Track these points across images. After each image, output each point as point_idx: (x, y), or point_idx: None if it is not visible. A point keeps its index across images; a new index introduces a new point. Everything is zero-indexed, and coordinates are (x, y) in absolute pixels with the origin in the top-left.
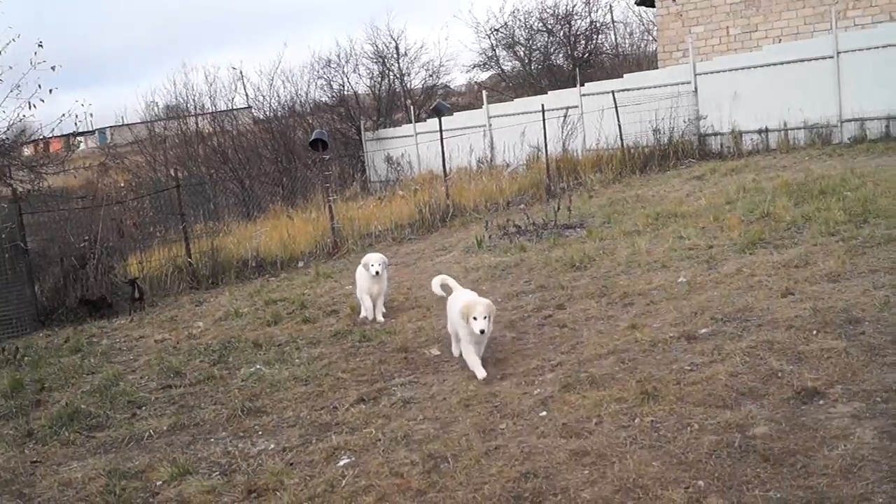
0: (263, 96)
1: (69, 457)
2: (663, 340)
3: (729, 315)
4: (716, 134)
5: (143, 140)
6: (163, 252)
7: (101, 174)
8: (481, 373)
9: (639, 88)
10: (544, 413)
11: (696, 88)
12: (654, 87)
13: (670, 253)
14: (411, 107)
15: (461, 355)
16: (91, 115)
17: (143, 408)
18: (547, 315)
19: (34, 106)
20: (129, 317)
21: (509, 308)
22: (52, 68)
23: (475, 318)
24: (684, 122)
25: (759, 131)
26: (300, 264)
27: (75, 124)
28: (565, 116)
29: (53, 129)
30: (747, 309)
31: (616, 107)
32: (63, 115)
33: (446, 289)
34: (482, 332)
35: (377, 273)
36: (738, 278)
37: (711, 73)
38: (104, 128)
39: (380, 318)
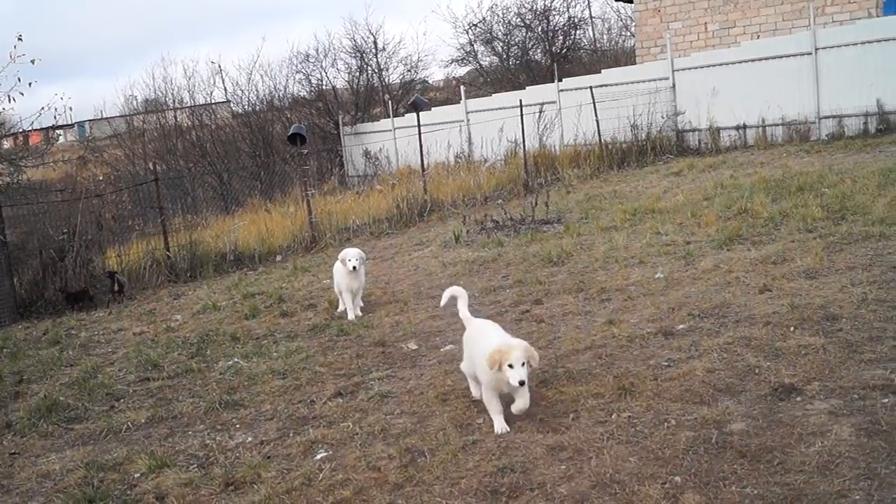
0: (242, 90)
1: (48, 448)
2: (641, 336)
3: (706, 311)
4: (694, 130)
5: (122, 134)
6: (141, 245)
7: (80, 167)
8: (501, 427)
9: (617, 84)
10: None
11: (673, 84)
12: (632, 82)
13: (648, 249)
14: (389, 102)
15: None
16: (70, 108)
17: (122, 400)
18: (524, 310)
19: (13, 99)
20: (108, 309)
21: (487, 303)
22: (32, 62)
23: (510, 367)
24: (662, 118)
25: (737, 127)
26: (278, 258)
27: (55, 117)
28: (541, 111)
29: (33, 123)
30: (725, 305)
31: (594, 102)
32: (42, 108)
33: (465, 319)
34: (521, 383)
35: (354, 269)
36: (716, 274)
37: (689, 69)
38: (83, 121)
39: (357, 312)
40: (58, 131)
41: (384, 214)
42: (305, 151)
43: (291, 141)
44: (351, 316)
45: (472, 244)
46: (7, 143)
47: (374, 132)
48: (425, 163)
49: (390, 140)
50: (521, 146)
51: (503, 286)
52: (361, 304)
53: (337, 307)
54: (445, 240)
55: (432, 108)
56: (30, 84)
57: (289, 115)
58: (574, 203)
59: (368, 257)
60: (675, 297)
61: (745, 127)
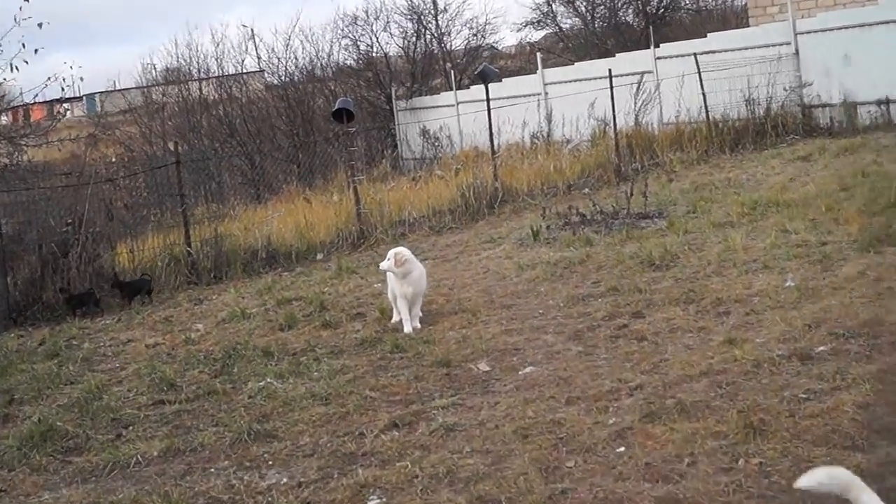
0: (278, 59)
1: (40, 486)
2: (770, 360)
3: (853, 330)
4: (823, 105)
5: (139, 108)
6: (158, 239)
7: (89, 147)
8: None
9: (726, 50)
10: (622, 449)
11: (796, 50)
12: (745, 48)
13: (773, 250)
14: (452, 72)
15: None
16: (80, 78)
17: (130, 427)
18: (621, 325)
19: (16, 68)
20: (117, 316)
21: (574, 315)
22: (39, 25)
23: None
24: (784, 90)
25: (879, 102)
26: (319, 257)
27: (62, 89)
28: (639, 84)
29: (37, 95)
30: (876, 322)
31: (699, 72)
32: (49, 78)
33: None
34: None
35: (380, 266)
36: (862, 283)
37: (816, 31)
38: (94, 93)
39: (415, 324)
40: (64, 105)
41: (446, 205)
42: (352, 130)
43: (336, 117)
44: (408, 328)
45: (553, 242)
46: (6, 119)
47: (434, 107)
48: (495, 144)
49: (453, 117)
50: (612, 124)
51: (593, 294)
52: (420, 315)
53: (391, 317)
54: (521, 236)
55: (503, 80)
56: (35, 51)
57: (333, 88)
58: (678, 193)
59: (429, 257)
60: (811, 312)
61: (888, 102)
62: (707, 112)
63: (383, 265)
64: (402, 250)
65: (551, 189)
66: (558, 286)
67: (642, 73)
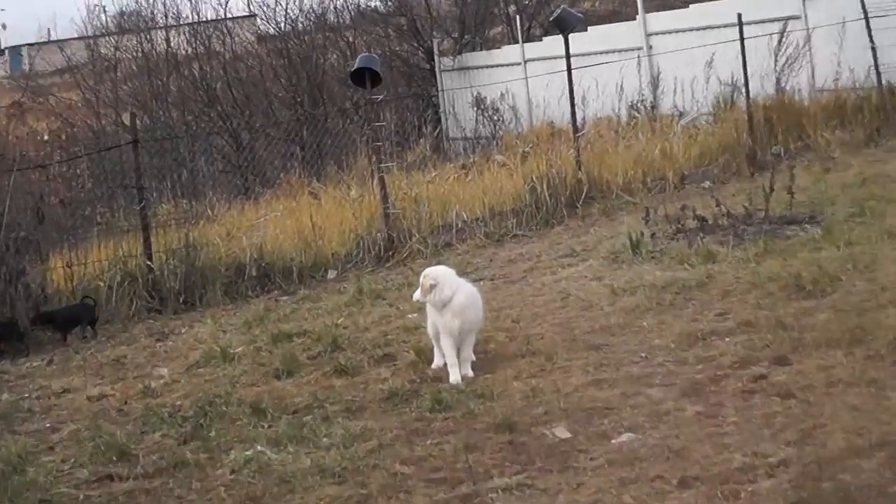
0: (276, 0)
1: None
2: None
3: None
4: None
5: (81, 67)
6: (106, 249)
7: (13, 120)
8: None
9: None
10: None
11: None
12: None
13: None
14: (517, 17)
15: None
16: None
17: None
18: (757, 375)
19: None
20: (48, 357)
21: (691, 361)
22: None
23: None
24: None
25: None
26: (331, 275)
27: None
28: (781, 35)
29: None
30: None
31: (866, 17)
32: None
33: None
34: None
35: (426, 294)
36: None
37: None
38: (19, 46)
39: (466, 372)
40: None
41: (510, 204)
42: (379, 98)
43: (356, 80)
44: (455, 377)
45: (660, 257)
46: None
47: (493, 67)
48: (578, 118)
49: (519, 80)
50: (743, 91)
51: (718, 331)
52: (473, 358)
53: (431, 361)
54: (615, 248)
55: (588, 29)
56: None
57: (351, 40)
58: (838, 189)
59: (485, 276)
60: None
61: None
62: (878, 74)
63: (416, 295)
64: (436, 271)
65: (657, 182)
66: (668, 319)
67: (786, 20)
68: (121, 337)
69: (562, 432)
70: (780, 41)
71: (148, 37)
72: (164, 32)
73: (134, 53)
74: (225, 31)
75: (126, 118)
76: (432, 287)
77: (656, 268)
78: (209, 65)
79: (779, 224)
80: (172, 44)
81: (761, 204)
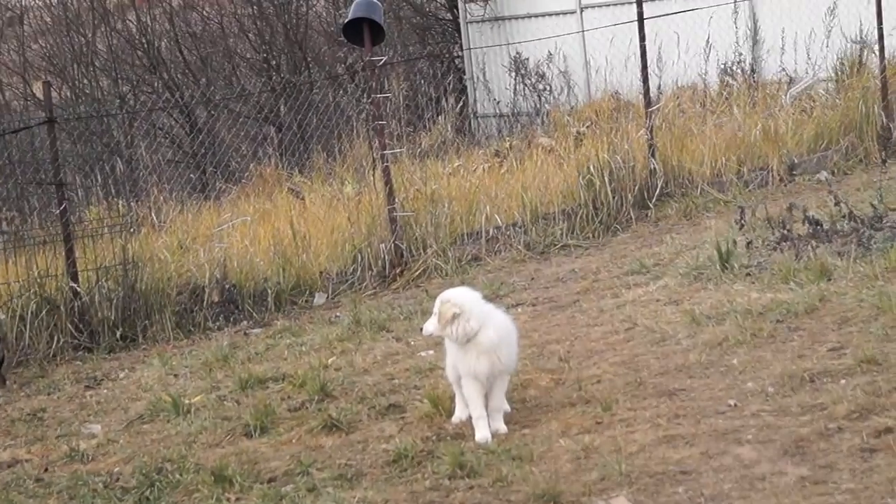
0: None
1: None
2: None
3: None
4: None
5: None
6: (15, 267)
7: None
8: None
9: None
10: None
11: None
12: None
13: None
14: None
15: None
16: None
17: None
18: (881, 429)
19: None
20: None
21: (794, 410)
22: None
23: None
24: None
25: None
26: (319, 300)
27: None
28: None
29: None
30: None
31: None
32: None
33: None
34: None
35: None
36: None
37: None
38: None
39: (498, 426)
40: None
41: (558, 204)
42: (382, 61)
43: (351, 36)
44: (483, 434)
45: (758, 273)
46: None
47: (537, 16)
48: (652, 87)
49: (571, 35)
50: (876, 49)
51: (831, 371)
52: (507, 409)
53: (451, 414)
54: (697, 263)
55: None
56: None
57: None
58: None
59: (525, 300)
60: None
61: None
62: None
63: (430, 327)
64: (459, 295)
65: (757, 173)
66: (765, 356)
67: None
68: (38, 384)
69: None
70: None
71: None
72: None
73: (47, 1)
74: None
75: (38, 89)
76: (455, 317)
77: (752, 288)
78: (150, 16)
79: None
80: None
81: (895, 202)
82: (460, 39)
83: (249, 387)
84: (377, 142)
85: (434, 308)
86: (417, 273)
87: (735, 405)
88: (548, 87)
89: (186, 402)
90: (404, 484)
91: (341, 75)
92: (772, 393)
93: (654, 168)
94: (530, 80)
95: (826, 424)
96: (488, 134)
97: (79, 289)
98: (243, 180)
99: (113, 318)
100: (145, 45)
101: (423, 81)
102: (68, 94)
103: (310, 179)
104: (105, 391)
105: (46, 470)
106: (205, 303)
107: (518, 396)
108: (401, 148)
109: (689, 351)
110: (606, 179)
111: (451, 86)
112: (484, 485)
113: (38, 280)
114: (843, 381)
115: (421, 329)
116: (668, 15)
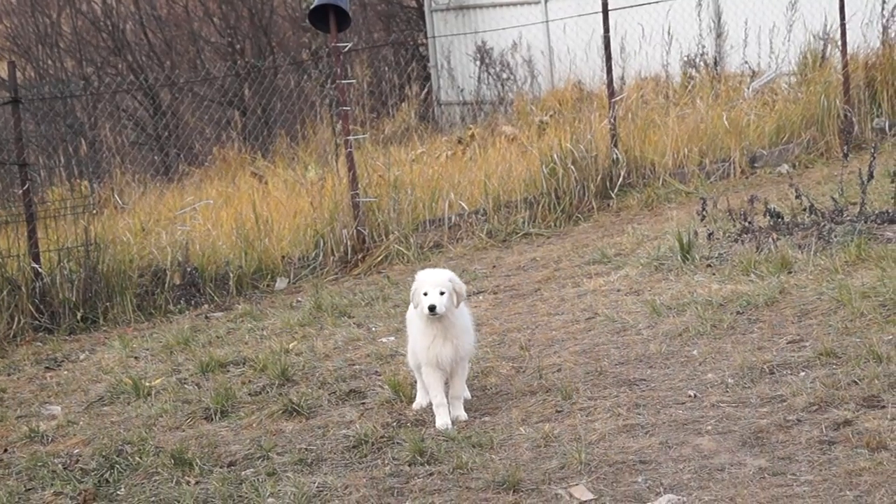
0: None
1: None
2: None
3: None
4: None
5: None
6: None
7: None
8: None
9: None
10: None
11: None
12: None
13: None
14: None
15: None
16: None
17: None
18: (840, 420)
19: None
20: None
21: (754, 401)
22: None
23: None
24: None
25: None
26: (281, 284)
27: None
28: None
29: None
30: None
31: None
32: None
33: None
34: (432, 308)
35: (433, 310)
36: None
37: None
38: None
39: (458, 413)
40: None
41: (520, 192)
42: (346, 47)
43: (317, 21)
44: (444, 420)
45: (719, 265)
46: None
47: (501, 6)
48: (616, 77)
49: (536, 25)
50: (838, 43)
51: (791, 363)
52: (467, 395)
53: (412, 400)
54: (659, 253)
55: None
56: None
57: None
58: None
59: (486, 288)
60: None
61: None
62: None
63: (438, 302)
64: (446, 275)
65: (719, 165)
66: (725, 347)
67: None
68: None
69: (582, 493)
70: None
71: None
72: None
73: None
74: None
75: (2, 69)
76: (453, 294)
77: (713, 279)
78: None
79: (878, 223)
80: None
81: (856, 196)
82: (425, 27)
83: (210, 370)
84: (341, 127)
85: (422, 284)
86: (379, 259)
87: (695, 396)
88: (511, 76)
89: (147, 384)
90: (364, 469)
91: (306, 61)
92: (731, 384)
93: (617, 158)
94: (494, 68)
95: (785, 416)
96: (452, 122)
97: (40, 269)
98: (206, 163)
99: (74, 299)
100: (110, 27)
101: (387, 68)
102: (32, 74)
103: (273, 164)
104: (65, 373)
105: (6, 451)
106: (166, 286)
107: (479, 384)
108: (364, 134)
109: (649, 341)
110: (569, 169)
111: (414, 73)
112: (444, 471)
113: (0, 260)
114: (802, 374)
115: (432, 308)
116: (632, 7)
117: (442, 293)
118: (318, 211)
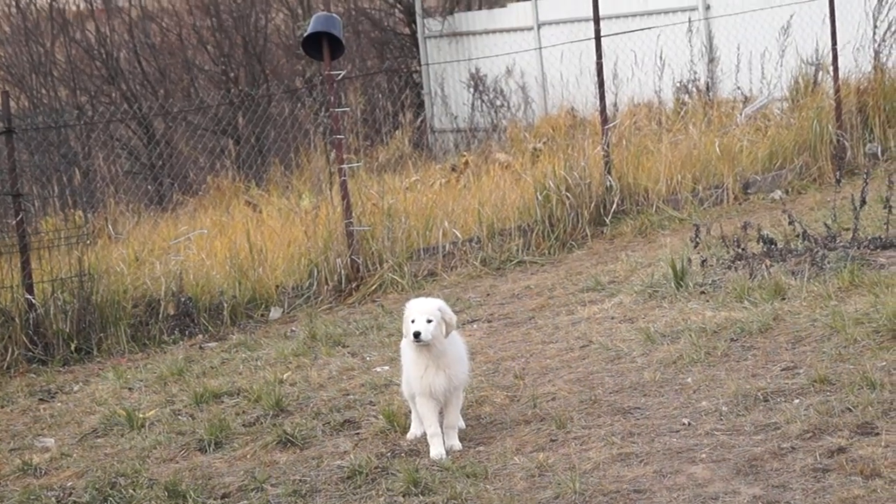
0: None
1: None
2: None
3: None
4: None
5: None
6: None
7: None
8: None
9: None
10: None
11: None
12: None
13: None
14: None
15: None
16: None
17: None
18: (834, 448)
19: None
20: None
21: (748, 429)
22: None
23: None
24: None
25: None
26: (274, 314)
27: None
28: None
29: None
30: None
31: None
32: None
33: None
34: (416, 335)
35: (418, 338)
36: None
37: None
38: None
39: (452, 443)
40: None
41: (514, 220)
42: (340, 75)
43: (310, 49)
44: (438, 450)
45: (712, 292)
46: None
47: (495, 32)
48: (609, 103)
49: (529, 52)
50: (830, 69)
51: (785, 390)
52: (462, 424)
53: (407, 430)
54: (653, 280)
55: None
56: None
57: None
58: None
59: (480, 316)
60: None
61: None
62: None
63: (424, 329)
64: (436, 304)
65: (712, 191)
66: (719, 374)
67: None
68: None
69: None
70: (880, 0)
71: None
72: None
73: (5, 9)
74: None
75: None
76: (441, 322)
77: (706, 306)
78: (109, 26)
79: (871, 249)
80: None
81: (849, 221)
82: (418, 54)
83: (204, 401)
84: (335, 155)
85: (411, 312)
86: (373, 288)
87: (689, 424)
88: (505, 103)
89: (141, 416)
90: (358, 500)
91: (300, 89)
92: (725, 412)
93: (610, 185)
94: (488, 95)
95: (779, 444)
96: (445, 149)
97: (34, 300)
98: (200, 193)
99: (68, 330)
100: (104, 56)
101: (380, 96)
102: (26, 104)
103: (267, 192)
104: (59, 404)
105: None
106: (160, 316)
107: (473, 413)
108: (358, 162)
109: (643, 369)
110: (562, 196)
111: (408, 100)
112: (438, 502)
113: None
114: (796, 401)
115: (417, 335)
116: (624, 33)
117: (429, 321)
118: (312, 240)
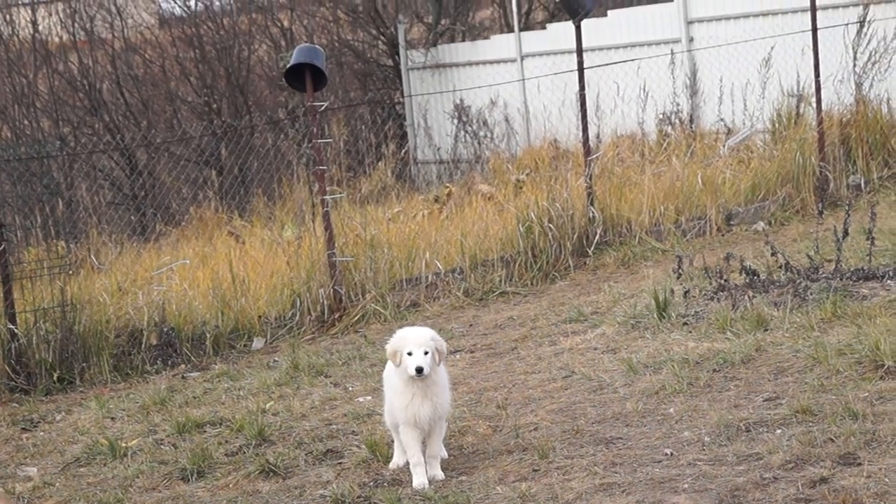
0: None
1: None
2: None
3: None
4: None
5: None
6: None
7: None
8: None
9: None
10: None
11: None
12: None
13: None
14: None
15: None
16: None
17: None
18: (817, 478)
19: None
20: None
21: (730, 460)
22: None
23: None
24: None
25: None
26: (257, 344)
27: None
28: (862, 24)
29: None
30: None
31: None
32: None
33: None
34: (419, 370)
35: (420, 371)
36: None
37: None
38: None
39: (435, 472)
40: None
41: (497, 251)
42: (323, 106)
43: (293, 81)
44: (420, 480)
45: (695, 323)
46: None
47: (478, 64)
48: (591, 135)
49: (513, 83)
50: (813, 101)
51: (767, 421)
52: (444, 454)
53: (390, 459)
54: (635, 311)
55: (607, 13)
56: None
57: (286, 26)
58: None
59: (463, 347)
60: None
61: None
62: None
63: (422, 363)
64: (428, 334)
65: (695, 222)
66: (701, 405)
67: (866, 4)
68: None
69: None
70: (860, 33)
71: (7, 16)
72: (29, 11)
73: None
74: (114, 10)
75: None
76: (436, 354)
77: (689, 337)
78: (92, 57)
79: (853, 280)
80: (41, 27)
81: (831, 253)
82: (401, 86)
83: (187, 431)
84: (318, 187)
85: (400, 346)
86: (356, 318)
87: (671, 454)
88: (488, 135)
89: (123, 445)
90: None
91: (282, 120)
92: (708, 442)
93: (593, 216)
94: (471, 126)
95: (762, 474)
96: (428, 180)
97: (16, 330)
98: (183, 223)
99: (50, 360)
100: (87, 87)
101: (363, 127)
102: (9, 134)
103: (250, 223)
104: (41, 433)
105: None
106: (143, 346)
107: (455, 443)
108: (341, 193)
109: (626, 399)
110: (545, 227)
111: (391, 132)
112: None
113: None
114: (778, 431)
115: (420, 370)
116: (608, 65)
117: (426, 353)
118: (294, 270)
